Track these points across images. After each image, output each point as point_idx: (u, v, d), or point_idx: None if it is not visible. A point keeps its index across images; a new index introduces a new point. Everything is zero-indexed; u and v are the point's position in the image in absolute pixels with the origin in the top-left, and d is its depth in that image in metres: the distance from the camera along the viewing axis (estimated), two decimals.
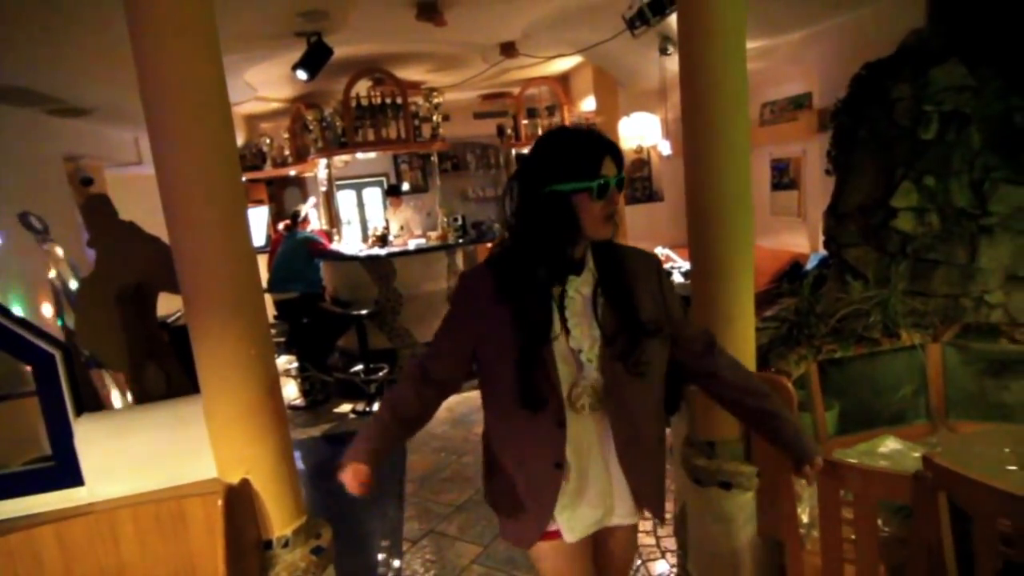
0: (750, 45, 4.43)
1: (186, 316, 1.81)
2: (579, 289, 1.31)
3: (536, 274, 1.29)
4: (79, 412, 1.79)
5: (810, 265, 3.84)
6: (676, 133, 5.33)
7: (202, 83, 1.74)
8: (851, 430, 2.68)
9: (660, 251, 4.84)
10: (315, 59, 4.04)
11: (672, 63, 4.61)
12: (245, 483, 1.80)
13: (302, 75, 4.14)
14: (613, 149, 1.27)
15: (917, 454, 2.10)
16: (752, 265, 2.17)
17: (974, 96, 2.71)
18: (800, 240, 5.07)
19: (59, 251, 3.20)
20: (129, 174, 5.63)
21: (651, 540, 2.93)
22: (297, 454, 4.14)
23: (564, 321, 1.30)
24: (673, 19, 3.85)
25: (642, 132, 6.20)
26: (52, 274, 3.13)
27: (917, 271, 2.84)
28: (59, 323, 3.13)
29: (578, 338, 1.30)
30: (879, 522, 1.94)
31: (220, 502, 1.69)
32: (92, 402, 3.10)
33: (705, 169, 2.16)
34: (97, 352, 2.79)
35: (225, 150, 1.79)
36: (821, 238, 3.54)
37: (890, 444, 2.32)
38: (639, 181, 6.34)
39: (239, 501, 1.75)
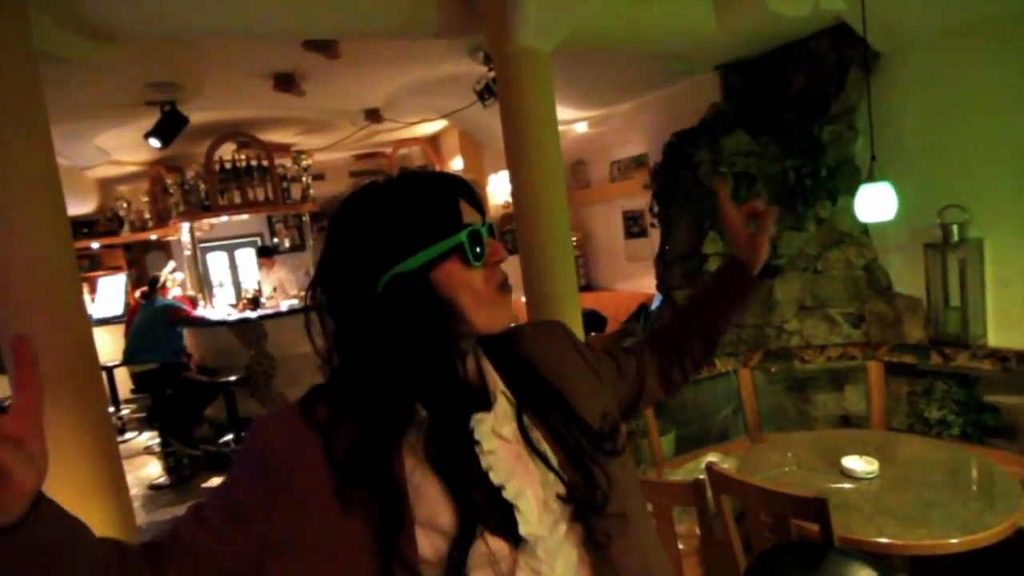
0: (591, 113, 5.00)
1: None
2: (498, 431, 0.74)
3: (409, 428, 0.72)
4: None
5: (654, 305, 4.29)
6: None
7: (25, 157, 1.75)
8: (687, 450, 3.03)
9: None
10: (169, 127, 4.00)
11: None
12: None
13: (155, 143, 4.08)
14: (465, 187, 0.78)
15: (728, 465, 2.43)
16: (578, 307, 2.46)
17: (757, 159, 3.27)
18: (652, 283, 5.60)
19: None
20: None
21: None
22: None
23: (491, 499, 0.70)
24: None
25: (508, 188, 6.63)
26: None
27: None
28: None
29: (531, 515, 0.70)
30: (696, 528, 2.22)
31: None
32: None
33: (533, 228, 2.45)
34: None
35: (52, 221, 1.80)
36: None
37: (710, 458, 2.66)
38: (509, 234, 6.72)
39: None
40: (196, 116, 4.24)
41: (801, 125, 3.15)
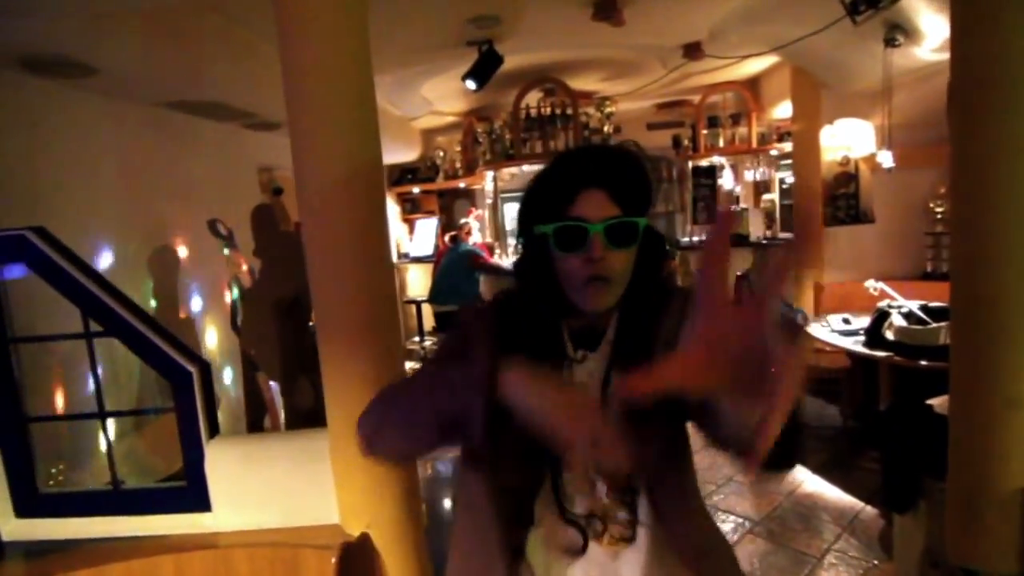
0: None
1: (318, 339, 1.64)
2: (592, 372, 0.93)
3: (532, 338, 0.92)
4: (212, 434, 1.70)
5: None
6: (900, 142, 4.39)
7: (344, 91, 1.57)
8: None
9: (870, 285, 3.98)
10: (485, 68, 3.91)
11: (901, 57, 3.76)
12: (365, 539, 1.58)
13: (471, 84, 4.03)
14: (608, 178, 0.89)
15: None
16: None
17: None
18: None
19: (240, 257, 3.37)
20: None
21: None
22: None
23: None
24: (909, 1, 3.10)
25: (849, 141, 5.27)
26: (231, 277, 3.31)
27: None
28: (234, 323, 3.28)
29: None
30: None
31: (334, 559, 1.48)
32: (259, 405, 3.21)
33: (977, 180, 1.55)
34: (257, 356, 2.85)
35: (366, 160, 1.60)
36: None
37: None
38: (843, 199, 5.40)
39: (356, 560, 1.53)
40: (509, 59, 4.08)
41: None
